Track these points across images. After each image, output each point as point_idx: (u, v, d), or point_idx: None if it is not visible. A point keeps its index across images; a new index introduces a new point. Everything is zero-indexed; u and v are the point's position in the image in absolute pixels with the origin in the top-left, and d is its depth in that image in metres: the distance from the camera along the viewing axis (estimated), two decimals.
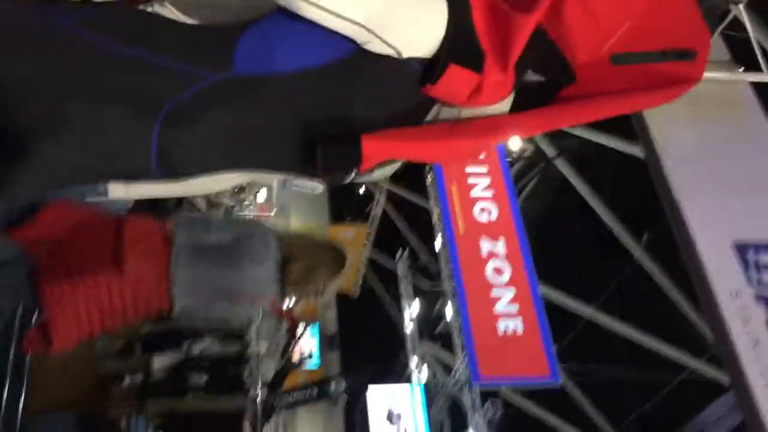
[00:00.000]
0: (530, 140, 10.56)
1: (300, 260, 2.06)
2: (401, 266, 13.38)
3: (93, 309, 1.73)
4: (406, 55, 1.18)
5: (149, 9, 1.26)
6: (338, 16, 1.13)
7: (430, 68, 1.20)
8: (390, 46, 1.17)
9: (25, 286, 1.69)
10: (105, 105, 1.12)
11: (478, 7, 1.23)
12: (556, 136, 10.07)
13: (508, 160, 9.93)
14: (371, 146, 1.20)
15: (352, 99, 1.20)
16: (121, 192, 1.43)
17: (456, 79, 1.21)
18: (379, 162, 1.28)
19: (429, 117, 1.30)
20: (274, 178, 1.45)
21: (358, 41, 1.17)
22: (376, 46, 1.17)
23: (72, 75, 1.09)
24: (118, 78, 1.11)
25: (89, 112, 1.12)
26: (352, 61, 1.18)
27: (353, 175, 1.32)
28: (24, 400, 4.08)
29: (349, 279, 12.59)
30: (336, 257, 2.15)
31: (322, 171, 1.27)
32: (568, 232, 11.51)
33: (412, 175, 12.29)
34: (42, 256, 1.70)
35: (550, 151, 10.39)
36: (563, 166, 10.01)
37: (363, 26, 1.14)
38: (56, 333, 1.74)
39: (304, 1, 1.12)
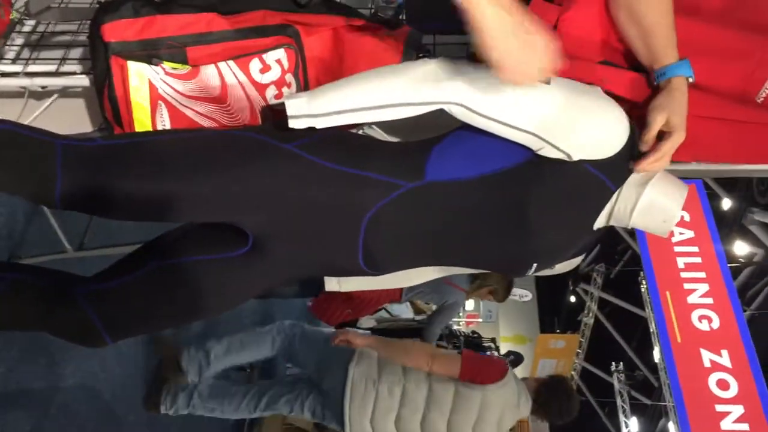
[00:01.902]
0: (759, 245, 9.77)
1: None
2: (617, 379, 12.63)
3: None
4: (575, 158, 1.32)
5: (360, 131, 1.53)
6: (513, 127, 1.31)
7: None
8: (561, 150, 1.31)
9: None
10: (322, 211, 1.37)
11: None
12: None
13: (734, 265, 9.22)
14: None
15: (528, 199, 1.35)
16: (334, 285, 1.69)
17: None
18: None
19: (603, 213, 1.41)
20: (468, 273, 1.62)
21: (533, 148, 1.33)
22: (548, 152, 1.32)
23: (295, 187, 1.35)
24: (334, 189, 1.36)
25: (311, 218, 1.37)
26: (527, 165, 1.35)
27: (533, 268, 1.45)
28: None
29: None
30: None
31: None
32: None
33: (624, 282, 11.81)
34: None
35: None
36: None
37: (535, 134, 1.31)
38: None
39: (482, 116, 1.32)
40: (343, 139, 1.44)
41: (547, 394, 3.27)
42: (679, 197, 1.40)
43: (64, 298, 1.47)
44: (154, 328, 1.58)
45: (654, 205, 1.40)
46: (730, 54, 1.45)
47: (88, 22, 1.55)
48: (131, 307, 1.48)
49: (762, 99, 1.44)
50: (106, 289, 1.48)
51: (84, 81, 1.73)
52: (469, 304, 11.13)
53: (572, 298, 14.67)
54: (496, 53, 1.18)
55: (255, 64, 1.47)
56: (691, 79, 1.39)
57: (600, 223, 1.44)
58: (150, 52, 1.42)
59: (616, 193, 1.39)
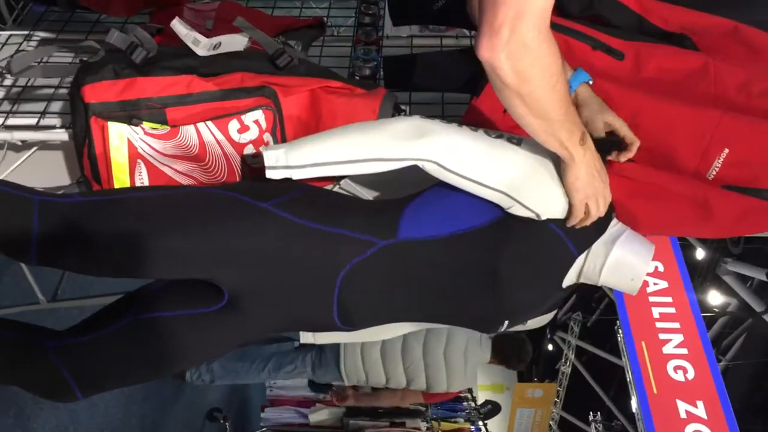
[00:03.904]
0: (733, 295, 9.84)
1: None
2: (595, 428, 12.53)
3: None
4: (544, 217, 1.36)
5: (335, 188, 1.56)
6: (484, 185, 1.35)
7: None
8: (529, 210, 1.35)
9: None
10: (297, 269, 1.38)
11: None
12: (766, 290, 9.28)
13: (708, 315, 9.28)
14: None
15: (498, 257, 1.38)
16: (309, 338, 1.70)
17: None
18: None
19: (571, 271, 1.44)
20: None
21: (504, 206, 1.37)
22: (518, 210, 1.36)
23: (271, 245, 1.37)
24: (309, 246, 1.38)
25: (287, 275, 1.39)
26: (497, 224, 1.39)
27: (505, 325, 1.47)
28: None
29: None
30: None
31: None
32: None
33: (601, 331, 11.82)
34: None
35: (757, 305, 9.55)
36: None
37: (505, 193, 1.35)
38: None
39: (455, 174, 1.35)
40: (318, 197, 1.46)
41: (503, 341, 3.95)
42: (646, 255, 1.44)
43: (35, 353, 1.46)
44: (126, 383, 1.57)
45: (621, 263, 1.43)
46: (684, 133, 1.51)
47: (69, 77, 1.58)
48: (104, 362, 1.47)
49: (712, 176, 1.51)
50: (79, 344, 1.48)
51: (63, 135, 1.75)
52: None
53: (550, 347, 14.63)
54: (582, 195, 1.35)
55: (233, 125, 1.50)
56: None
57: (569, 280, 1.47)
58: (130, 113, 1.45)
59: (585, 253, 1.43)
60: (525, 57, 1.10)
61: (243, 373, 4.16)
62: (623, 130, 1.47)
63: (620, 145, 1.48)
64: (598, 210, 1.38)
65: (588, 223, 1.39)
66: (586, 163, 1.31)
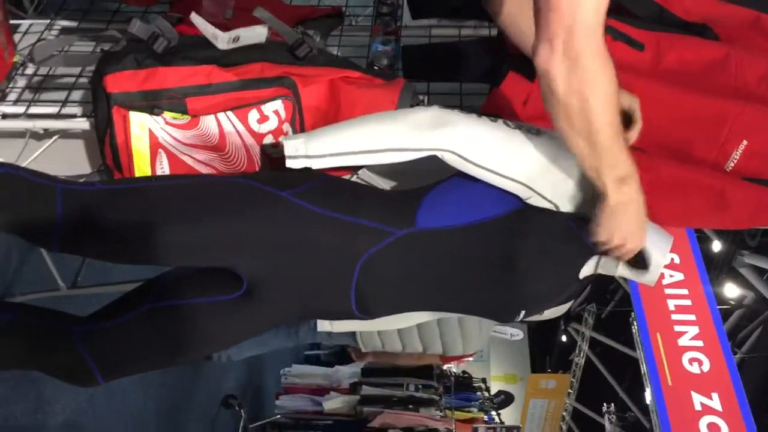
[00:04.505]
0: (750, 288, 9.78)
1: None
2: (608, 420, 12.53)
3: None
4: (562, 209, 1.36)
5: (354, 178, 1.56)
6: (503, 176, 1.36)
7: None
8: (548, 201, 1.36)
9: None
10: (316, 257, 1.39)
11: None
12: None
13: (724, 307, 9.23)
14: None
15: (516, 247, 1.39)
16: (326, 327, 1.72)
17: None
18: None
19: (589, 262, 1.44)
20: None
21: (522, 197, 1.37)
22: (537, 201, 1.36)
23: (290, 234, 1.38)
24: (327, 235, 1.38)
25: (305, 263, 1.40)
26: (516, 214, 1.39)
27: (521, 315, 1.47)
28: None
29: (553, 431, 12.00)
30: None
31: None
32: None
33: (615, 322, 11.78)
34: None
35: None
36: None
37: (524, 184, 1.35)
38: None
39: (474, 164, 1.36)
40: (336, 186, 1.47)
41: None
42: (664, 247, 1.43)
43: (58, 338, 1.48)
44: (145, 368, 1.60)
45: (639, 254, 1.43)
46: (702, 124, 1.50)
47: (90, 66, 1.60)
48: (125, 347, 1.49)
49: (730, 168, 1.51)
50: (101, 330, 1.50)
51: (84, 124, 1.77)
52: None
53: (564, 338, 14.62)
54: (607, 233, 1.34)
55: (253, 115, 1.51)
56: None
57: (586, 272, 1.47)
58: (151, 103, 1.46)
59: None
60: (579, 66, 1.12)
61: (270, 339, 4.14)
62: (635, 114, 1.46)
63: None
64: (624, 249, 1.37)
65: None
66: (617, 206, 1.30)
